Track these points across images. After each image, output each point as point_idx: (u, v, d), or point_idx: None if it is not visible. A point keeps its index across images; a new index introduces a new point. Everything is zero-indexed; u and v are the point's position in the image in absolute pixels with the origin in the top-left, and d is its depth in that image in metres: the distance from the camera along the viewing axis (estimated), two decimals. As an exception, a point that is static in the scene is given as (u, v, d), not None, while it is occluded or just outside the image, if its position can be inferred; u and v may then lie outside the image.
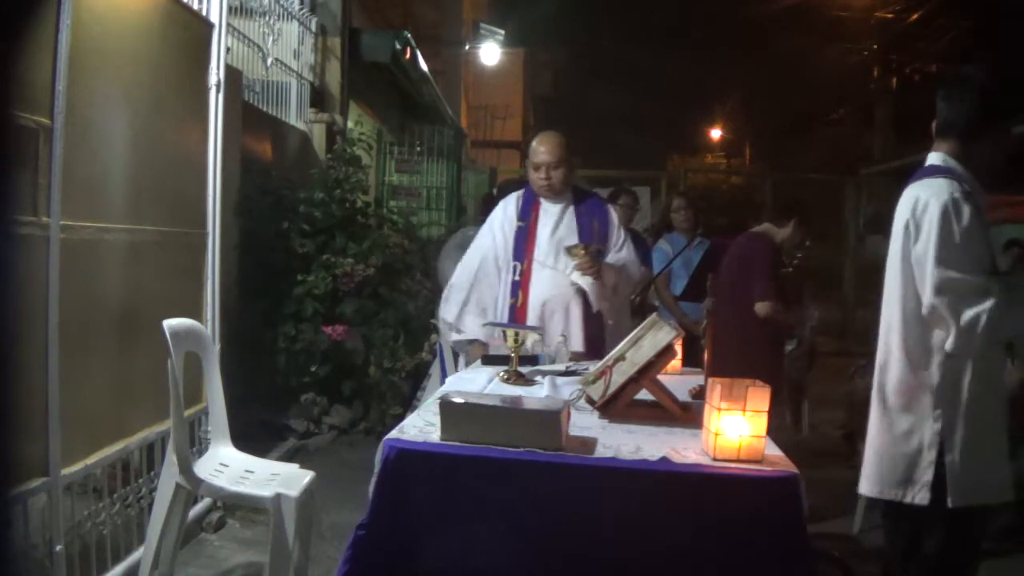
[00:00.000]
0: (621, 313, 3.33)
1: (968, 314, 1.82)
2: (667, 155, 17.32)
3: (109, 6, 2.51)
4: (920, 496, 1.95)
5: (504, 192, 4.30)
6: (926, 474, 1.94)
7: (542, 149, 3.16)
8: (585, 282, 3.01)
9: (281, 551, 2.35)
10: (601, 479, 1.66)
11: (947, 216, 1.85)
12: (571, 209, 3.21)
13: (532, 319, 3.05)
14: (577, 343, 3.02)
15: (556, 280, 3.07)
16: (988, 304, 1.79)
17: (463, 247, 3.40)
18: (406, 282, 5.13)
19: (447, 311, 3.20)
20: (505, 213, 3.24)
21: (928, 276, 1.89)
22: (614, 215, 3.29)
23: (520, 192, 3.29)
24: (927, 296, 1.90)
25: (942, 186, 1.90)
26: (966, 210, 1.85)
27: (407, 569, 1.67)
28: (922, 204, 1.93)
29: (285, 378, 4.57)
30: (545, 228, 3.18)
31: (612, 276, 3.10)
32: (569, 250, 2.97)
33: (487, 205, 5.27)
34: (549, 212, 3.20)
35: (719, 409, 1.67)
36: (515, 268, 3.12)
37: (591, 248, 2.99)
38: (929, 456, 1.93)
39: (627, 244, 3.25)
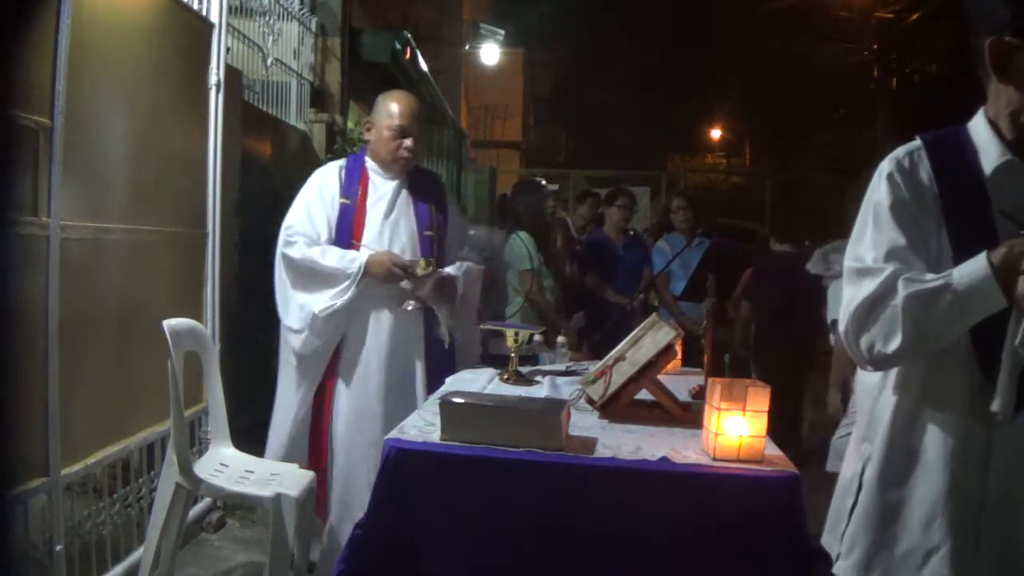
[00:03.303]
0: (470, 325, 2.81)
1: (845, 295, 1.31)
2: (667, 155, 17.31)
3: (109, 6, 2.51)
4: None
5: (521, 194, 4.28)
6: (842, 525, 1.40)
7: (403, 111, 2.63)
8: (436, 308, 2.59)
9: (281, 551, 2.35)
10: (601, 479, 1.66)
11: (869, 189, 1.36)
12: (405, 188, 2.70)
13: (357, 328, 2.60)
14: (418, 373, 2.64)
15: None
16: (863, 294, 1.25)
17: (457, 240, 3.10)
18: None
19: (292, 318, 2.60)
20: (324, 184, 2.66)
21: None
22: (447, 195, 2.88)
23: (342, 161, 2.76)
24: None
25: (891, 155, 1.36)
26: (900, 180, 1.29)
27: (406, 569, 1.68)
28: None
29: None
30: (376, 209, 2.65)
31: (460, 287, 2.65)
32: (408, 269, 2.51)
33: (503, 207, 5.25)
34: (379, 190, 2.67)
35: (719, 409, 1.67)
36: None
37: (433, 262, 2.56)
38: (848, 502, 1.39)
39: (463, 232, 2.87)
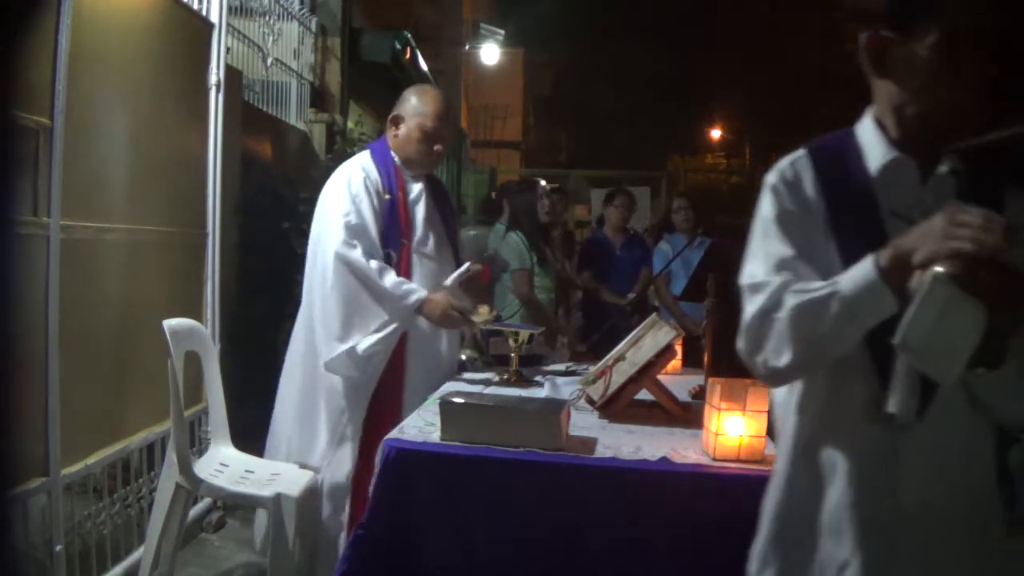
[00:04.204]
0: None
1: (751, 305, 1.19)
2: (667, 155, 17.32)
3: (109, 6, 2.51)
4: None
5: (507, 194, 4.27)
6: None
7: (440, 114, 2.52)
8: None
9: (281, 551, 2.35)
10: (601, 479, 1.66)
11: (759, 203, 1.28)
12: (427, 190, 2.63)
13: (417, 331, 2.47)
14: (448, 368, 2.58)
15: (442, 281, 2.48)
16: (752, 308, 1.18)
17: (463, 247, 3.03)
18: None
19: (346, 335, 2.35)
20: (368, 177, 2.45)
21: None
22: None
23: (367, 154, 2.56)
24: None
25: (775, 166, 1.29)
26: (784, 191, 1.23)
27: (406, 569, 1.68)
28: None
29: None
30: (417, 208, 2.56)
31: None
32: (466, 314, 2.42)
33: (489, 207, 5.26)
34: (412, 189, 2.58)
35: (719, 409, 1.67)
36: (387, 256, 2.44)
37: (496, 311, 2.57)
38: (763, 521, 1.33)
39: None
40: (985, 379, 1.09)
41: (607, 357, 2.11)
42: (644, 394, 2.09)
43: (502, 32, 12.56)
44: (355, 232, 2.36)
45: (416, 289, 2.39)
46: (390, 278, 2.37)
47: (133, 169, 2.68)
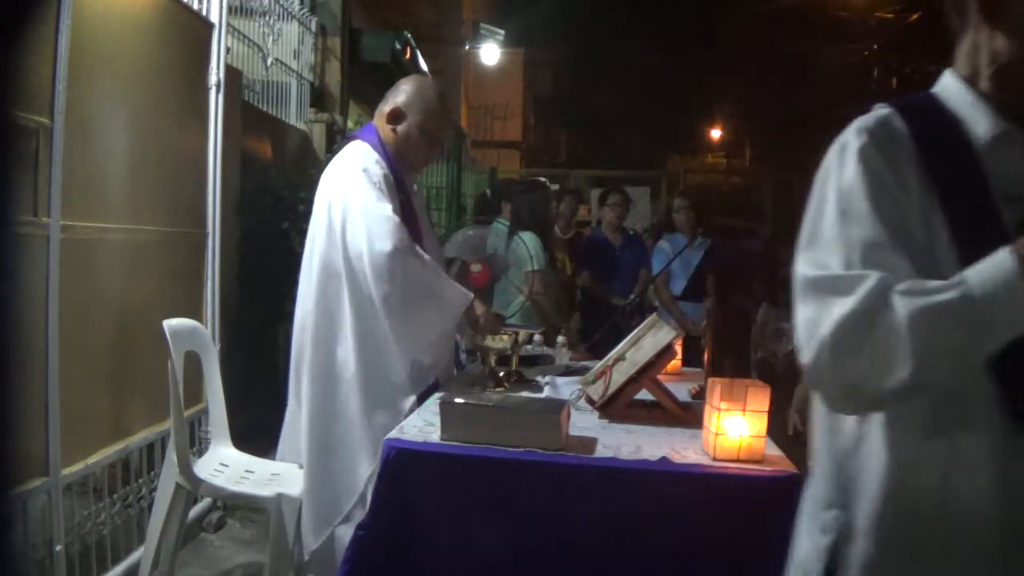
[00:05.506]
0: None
1: (813, 338, 0.96)
2: (667, 155, 17.31)
3: (109, 6, 2.51)
4: None
5: (503, 192, 4.27)
6: None
7: (446, 120, 2.47)
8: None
9: (281, 551, 2.35)
10: (601, 479, 1.66)
11: (825, 169, 1.05)
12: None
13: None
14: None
15: None
16: (841, 311, 0.93)
17: (463, 247, 2.99)
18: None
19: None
20: (386, 175, 2.29)
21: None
22: None
23: (369, 148, 2.33)
24: None
25: (856, 121, 1.07)
26: (877, 155, 1.00)
27: (407, 569, 1.68)
28: None
29: (285, 378, 4.57)
30: (421, 211, 2.50)
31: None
32: (508, 335, 2.40)
33: (484, 206, 5.25)
34: (413, 191, 2.50)
35: (719, 409, 1.67)
36: None
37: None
38: None
39: None
40: None
41: (607, 357, 2.11)
42: (644, 394, 2.09)
43: (502, 32, 12.55)
44: (403, 229, 2.21)
45: (468, 294, 2.32)
46: (443, 274, 2.33)
47: (133, 169, 2.68)
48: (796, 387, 3.12)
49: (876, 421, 0.99)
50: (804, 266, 0.99)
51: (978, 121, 1.00)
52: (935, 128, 1.01)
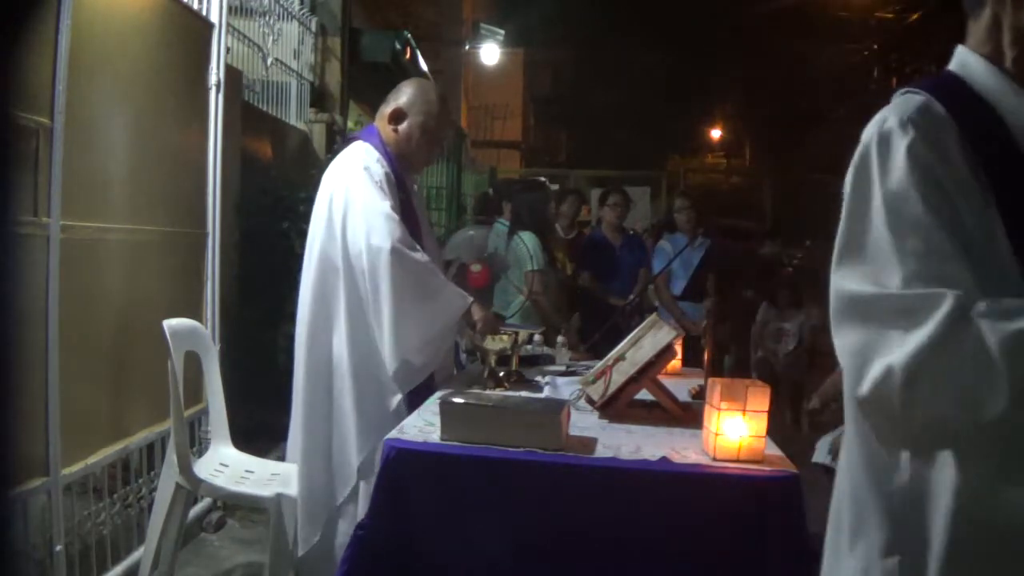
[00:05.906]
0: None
1: (876, 365, 0.85)
2: (667, 155, 17.33)
3: (109, 6, 2.51)
4: None
5: (505, 192, 4.27)
6: None
7: (447, 120, 2.48)
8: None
9: (281, 551, 2.35)
10: (601, 479, 1.66)
11: (864, 167, 0.94)
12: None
13: None
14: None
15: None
16: (918, 339, 0.82)
17: (463, 247, 3.01)
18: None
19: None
20: (387, 174, 2.31)
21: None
22: None
23: (371, 148, 2.35)
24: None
25: (890, 110, 0.95)
26: (926, 150, 0.89)
27: (407, 569, 1.68)
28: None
29: (285, 378, 4.57)
30: (421, 210, 2.53)
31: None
32: (508, 336, 2.40)
33: (484, 206, 5.25)
34: (413, 191, 2.54)
35: (719, 409, 1.67)
36: None
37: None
38: None
39: None
40: None
41: (607, 357, 2.11)
42: (644, 394, 2.09)
43: (502, 32, 12.55)
44: (403, 227, 2.22)
45: (467, 295, 2.32)
46: (440, 275, 2.32)
47: (133, 169, 2.68)
48: (827, 378, 3.09)
49: (941, 456, 0.87)
50: (850, 281, 0.88)
51: (1013, 103, 0.90)
52: (975, 113, 0.91)
